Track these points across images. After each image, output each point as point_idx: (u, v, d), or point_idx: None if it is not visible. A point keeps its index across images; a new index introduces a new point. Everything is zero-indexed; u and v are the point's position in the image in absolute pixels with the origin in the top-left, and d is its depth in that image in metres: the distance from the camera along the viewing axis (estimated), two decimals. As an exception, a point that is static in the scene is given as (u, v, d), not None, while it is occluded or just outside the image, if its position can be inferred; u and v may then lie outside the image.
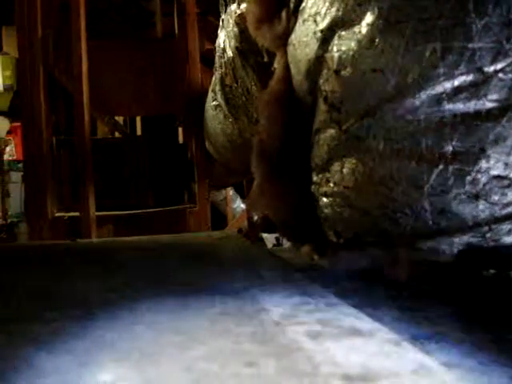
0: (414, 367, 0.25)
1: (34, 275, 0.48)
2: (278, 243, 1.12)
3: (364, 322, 0.32)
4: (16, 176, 2.64)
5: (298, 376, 0.24)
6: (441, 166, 0.47)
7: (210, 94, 1.22)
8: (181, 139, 1.86)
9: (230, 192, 2.12)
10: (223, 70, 1.05)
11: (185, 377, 0.24)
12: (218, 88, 1.12)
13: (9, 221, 2.03)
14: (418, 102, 0.47)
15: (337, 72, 0.53)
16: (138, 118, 2.09)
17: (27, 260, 0.58)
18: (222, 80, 1.08)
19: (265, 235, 1.04)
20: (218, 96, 1.13)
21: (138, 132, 2.10)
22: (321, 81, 0.56)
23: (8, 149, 2.79)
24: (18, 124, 2.24)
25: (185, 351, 0.27)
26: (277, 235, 1.30)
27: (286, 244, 0.96)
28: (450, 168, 0.47)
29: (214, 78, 1.19)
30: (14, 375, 0.25)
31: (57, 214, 1.56)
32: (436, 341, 0.33)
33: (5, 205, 2.13)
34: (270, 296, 0.38)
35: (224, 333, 0.30)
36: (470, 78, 0.44)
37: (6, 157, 2.51)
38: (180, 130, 1.87)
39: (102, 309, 0.36)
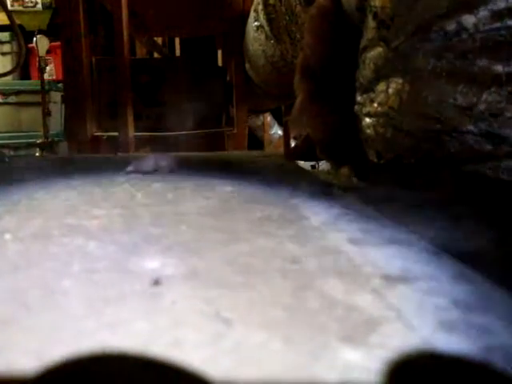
0: (453, 274, 0.26)
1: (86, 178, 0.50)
2: (314, 169, 1.11)
3: (403, 234, 0.32)
4: (56, 96, 2.68)
5: (340, 273, 0.25)
6: (493, 88, 0.45)
7: (252, 15, 1.19)
8: (220, 62, 1.84)
9: (268, 118, 2.11)
10: (267, -13, 1.01)
11: (229, 267, 0.25)
12: (260, 8, 1.09)
13: (50, 139, 2.08)
14: (475, 19, 0.45)
15: (389, -14, 0.51)
16: (178, 40, 2.06)
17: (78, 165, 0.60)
18: (265, -1, 1.04)
19: (301, 162, 1.04)
20: (260, 16, 1.10)
21: (178, 53, 2.08)
22: (371, -4, 0.54)
23: (48, 68, 2.81)
24: (58, 43, 2.24)
25: (227, 247, 0.28)
26: (312, 163, 1.30)
27: (322, 169, 0.96)
28: (503, 90, 0.45)
29: (256, -3, 1.15)
30: (70, 259, 0.27)
31: (95, 134, 1.58)
32: (474, 258, 0.33)
33: (46, 124, 2.18)
34: (310, 206, 0.38)
35: (266, 234, 0.31)
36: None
37: (46, 76, 2.53)
38: (220, 52, 1.84)
39: (146, 208, 0.37)
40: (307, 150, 0.70)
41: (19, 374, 0.17)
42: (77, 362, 0.18)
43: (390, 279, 0.24)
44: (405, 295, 0.23)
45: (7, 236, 0.32)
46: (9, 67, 2.52)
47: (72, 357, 0.18)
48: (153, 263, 0.26)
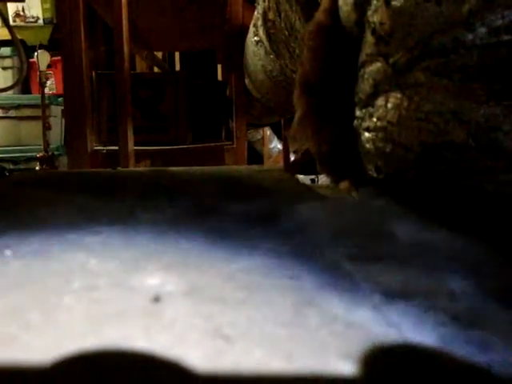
0: (452, 289, 0.26)
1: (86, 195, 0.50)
2: (314, 183, 1.11)
3: (403, 249, 0.32)
4: (56, 110, 2.69)
5: (339, 290, 0.25)
6: (490, 103, 0.45)
7: (252, 30, 1.20)
8: (220, 76, 1.85)
9: (268, 132, 2.12)
10: (266, 3, 1.02)
11: (228, 284, 0.25)
12: (259, 23, 1.10)
13: (50, 153, 2.09)
14: (472, 35, 0.45)
15: (387, 2, 0.51)
16: (177, 54, 2.07)
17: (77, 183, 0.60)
18: (264, 14, 1.05)
19: (300, 176, 1.04)
20: (260, 31, 1.10)
21: (177, 68, 2.09)
22: (369, 12, 0.54)
23: (48, 83, 2.83)
24: (58, 58, 2.26)
25: (227, 263, 0.28)
26: (312, 177, 1.30)
27: (322, 182, 0.96)
28: (501, 105, 0.45)
29: (255, 13, 1.16)
30: (71, 276, 0.27)
31: (96, 148, 1.58)
32: (474, 272, 0.33)
33: (46, 138, 2.19)
34: (309, 222, 0.38)
35: (265, 250, 0.31)
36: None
37: (46, 91, 2.54)
38: (219, 66, 1.85)
39: (146, 225, 0.37)
40: (307, 164, 0.70)
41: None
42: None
43: (390, 295, 0.24)
44: (405, 311, 0.23)
45: (8, 253, 0.32)
46: (10, 82, 2.53)
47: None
48: (153, 280, 0.26)
